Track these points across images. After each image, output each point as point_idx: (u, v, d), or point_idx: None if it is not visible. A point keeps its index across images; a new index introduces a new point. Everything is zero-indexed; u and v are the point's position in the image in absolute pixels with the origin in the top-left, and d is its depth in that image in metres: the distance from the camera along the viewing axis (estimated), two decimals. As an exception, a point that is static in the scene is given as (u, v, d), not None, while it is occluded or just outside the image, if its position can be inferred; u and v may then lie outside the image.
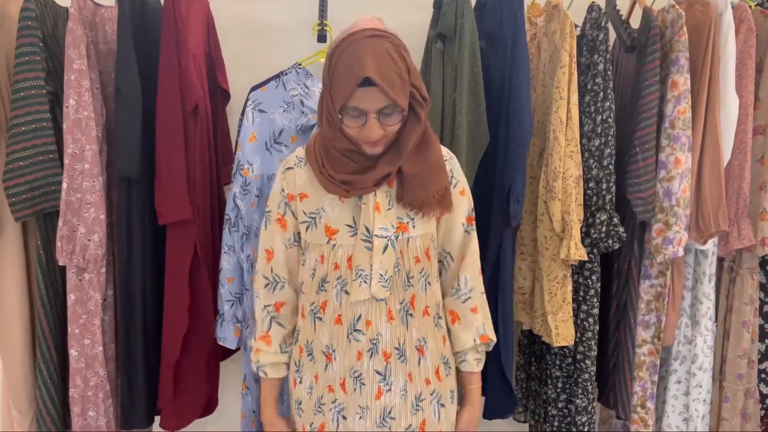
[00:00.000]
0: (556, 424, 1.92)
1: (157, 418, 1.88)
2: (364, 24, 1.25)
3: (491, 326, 1.48)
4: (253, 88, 1.78)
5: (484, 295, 1.47)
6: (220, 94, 1.97)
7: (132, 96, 1.64)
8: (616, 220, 1.76)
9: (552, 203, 1.75)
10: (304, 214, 1.38)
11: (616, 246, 1.78)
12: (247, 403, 1.83)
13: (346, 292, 1.34)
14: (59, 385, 1.78)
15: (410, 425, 1.37)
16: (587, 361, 1.82)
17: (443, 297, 1.46)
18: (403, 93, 1.23)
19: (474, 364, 1.46)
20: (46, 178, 1.68)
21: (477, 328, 1.45)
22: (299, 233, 1.43)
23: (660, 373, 1.93)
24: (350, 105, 1.22)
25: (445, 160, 1.40)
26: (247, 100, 1.77)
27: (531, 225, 1.87)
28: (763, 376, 1.94)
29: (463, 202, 1.43)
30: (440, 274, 1.46)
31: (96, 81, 1.70)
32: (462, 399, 1.49)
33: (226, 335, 1.82)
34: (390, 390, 1.36)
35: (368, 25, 1.24)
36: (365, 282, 1.32)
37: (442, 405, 1.42)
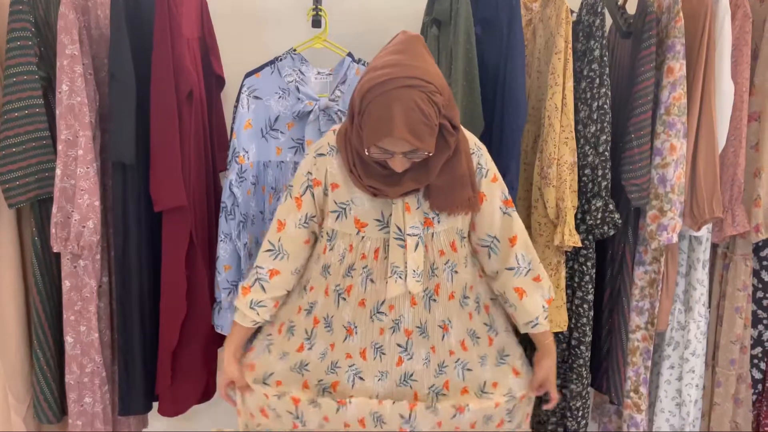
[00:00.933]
0: (550, 409, 1.93)
1: (155, 405, 1.89)
2: (395, 61, 1.26)
3: (552, 287, 1.56)
4: (248, 75, 1.77)
5: (539, 261, 1.53)
6: (214, 80, 1.97)
7: (125, 81, 1.64)
8: (611, 206, 1.76)
9: (546, 190, 1.75)
10: (335, 203, 1.44)
11: (612, 232, 1.78)
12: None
13: (372, 281, 1.42)
14: (56, 372, 1.79)
15: (433, 385, 1.46)
16: (582, 347, 1.83)
17: (499, 278, 1.51)
18: (430, 138, 1.28)
19: (545, 325, 1.54)
20: (40, 164, 1.67)
21: (542, 294, 1.52)
22: (313, 217, 1.47)
23: (653, 359, 1.94)
24: (378, 145, 1.28)
25: (473, 152, 1.44)
26: (241, 86, 1.76)
27: (525, 212, 1.87)
28: (755, 361, 1.96)
29: (496, 188, 1.47)
30: (489, 256, 1.50)
31: (89, 66, 1.68)
32: (539, 352, 1.58)
33: (224, 323, 1.82)
34: (411, 359, 1.44)
35: (400, 68, 1.24)
36: (401, 278, 1.39)
37: (469, 369, 1.49)
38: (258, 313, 1.51)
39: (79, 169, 1.64)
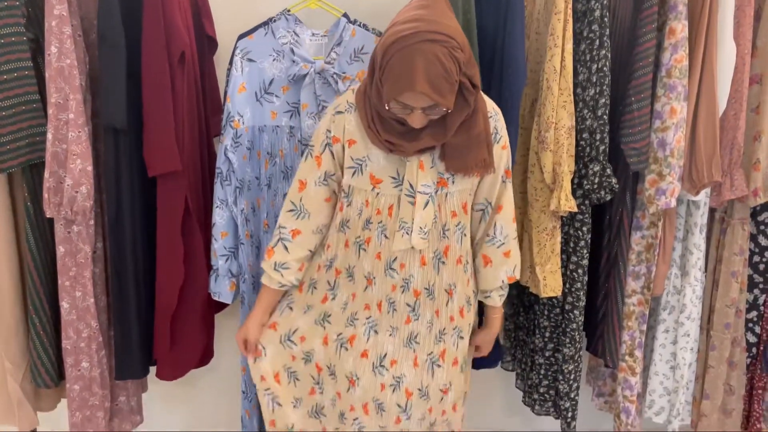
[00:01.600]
0: (542, 372, 1.95)
1: (153, 369, 1.90)
2: (418, 16, 1.28)
3: (519, 268, 1.63)
4: (241, 36, 1.73)
5: (516, 240, 1.59)
6: (207, 43, 1.92)
7: (115, 43, 1.60)
8: (609, 171, 1.75)
9: (543, 154, 1.73)
10: (351, 159, 1.46)
11: (609, 197, 1.77)
12: (247, 357, 1.84)
13: (386, 236, 1.47)
14: (52, 337, 1.79)
15: (432, 352, 1.53)
16: (575, 312, 1.84)
17: (476, 242, 1.59)
18: (450, 94, 1.30)
19: (497, 300, 1.63)
20: (31, 128, 1.64)
21: (506, 270, 1.58)
22: (332, 175, 1.51)
23: (648, 323, 1.95)
24: (398, 100, 1.30)
25: (490, 116, 1.47)
26: (234, 48, 1.73)
27: (521, 176, 1.86)
28: (750, 325, 1.97)
29: (504, 156, 1.52)
30: (480, 221, 1.57)
31: (78, 27, 1.64)
32: (483, 324, 1.69)
33: (221, 290, 1.82)
34: (417, 320, 1.51)
35: (423, 23, 1.26)
36: (407, 233, 1.44)
37: (461, 337, 1.57)
38: (282, 275, 1.54)
39: (70, 133, 1.61)
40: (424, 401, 1.54)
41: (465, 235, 1.52)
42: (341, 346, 1.52)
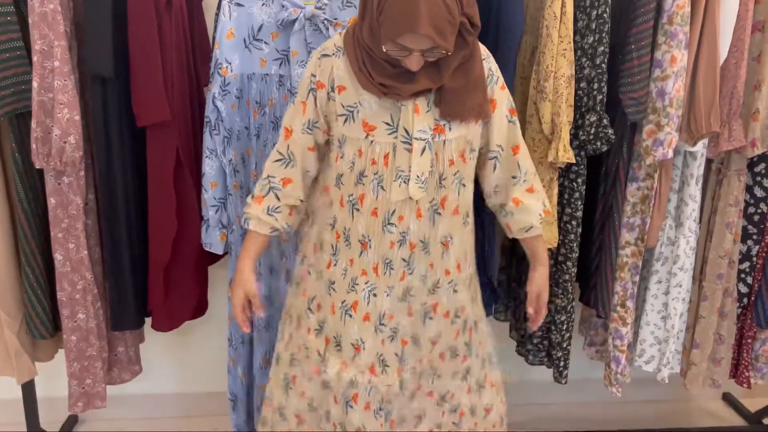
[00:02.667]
0: (537, 322, 1.97)
1: (149, 321, 1.91)
2: None
3: (546, 199, 1.57)
4: (230, -20, 1.67)
5: (537, 176, 1.55)
6: (195, -13, 1.87)
7: (99, -13, 1.55)
8: (605, 121, 1.72)
9: (542, 104, 1.70)
10: (342, 107, 1.41)
11: (604, 148, 1.75)
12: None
13: (383, 188, 1.41)
14: (46, 288, 1.79)
15: (425, 303, 1.51)
16: (568, 263, 1.84)
17: (499, 188, 1.54)
18: (452, 36, 1.26)
19: (540, 229, 1.56)
20: (16, 76, 1.61)
21: (540, 203, 1.54)
22: (315, 123, 1.45)
23: (641, 274, 1.96)
24: (397, 42, 1.25)
25: (483, 59, 1.42)
26: (223, -8, 1.67)
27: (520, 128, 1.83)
28: (742, 276, 1.98)
29: (504, 96, 1.47)
30: (494, 168, 1.51)
31: (60, -29, 1.58)
32: (533, 263, 1.63)
33: (212, 240, 1.82)
34: (411, 273, 1.48)
35: None
36: (404, 183, 1.39)
37: (455, 291, 1.53)
38: (276, 219, 1.50)
39: (56, 81, 1.58)
40: (417, 349, 1.54)
41: (464, 185, 1.47)
42: (346, 313, 1.50)
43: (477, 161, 1.51)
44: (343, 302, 1.50)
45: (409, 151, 1.38)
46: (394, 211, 1.43)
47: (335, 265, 1.51)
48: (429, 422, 1.61)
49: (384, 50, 1.27)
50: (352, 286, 1.49)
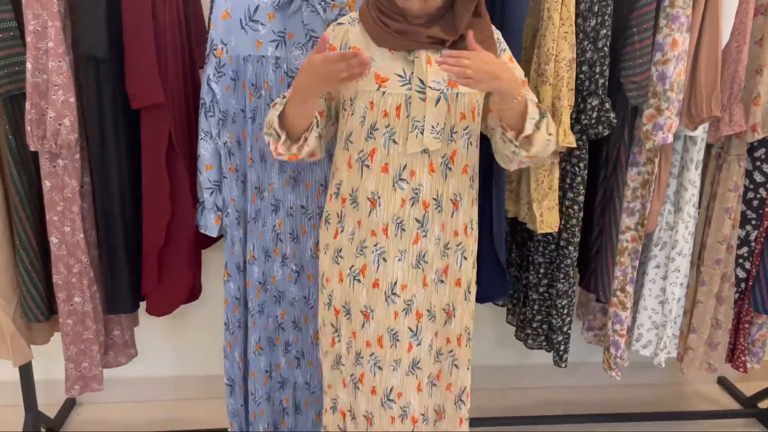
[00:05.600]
0: (536, 307, 1.97)
1: (143, 305, 1.90)
2: None
3: (547, 112, 1.47)
4: (225, -41, 1.64)
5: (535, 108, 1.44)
6: (190, -34, 1.84)
7: (93, -34, 1.52)
8: (607, 105, 1.71)
9: (543, 88, 1.68)
10: None
11: (606, 132, 1.74)
12: (229, 290, 1.84)
13: (394, 141, 1.41)
14: (41, 272, 1.78)
15: (437, 269, 1.50)
16: (570, 247, 1.84)
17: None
18: None
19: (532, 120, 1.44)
20: (9, 57, 1.58)
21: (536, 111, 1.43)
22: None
23: (640, 259, 1.96)
24: None
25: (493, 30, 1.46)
26: (219, -28, 1.64)
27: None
28: (740, 261, 1.98)
29: (516, 68, 1.49)
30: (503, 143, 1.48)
31: (52, -51, 1.55)
32: None
33: (207, 223, 1.80)
34: (426, 236, 1.46)
35: None
36: (420, 133, 1.39)
37: (465, 258, 1.53)
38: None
39: (50, 62, 1.55)
40: (432, 323, 1.52)
41: (471, 143, 1.47)
42: (354, 279, 1.50)
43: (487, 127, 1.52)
44: (351, 268, 1.50)
45: (424, 100, 1.39)
46: (405, 166, 1.42)
47: (341, 231, 1.51)
48: (448, 423, 1.60)
49: None
50: (360, 250, 1.49)
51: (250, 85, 1.70)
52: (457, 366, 1.59)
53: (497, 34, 1.48)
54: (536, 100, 1.49)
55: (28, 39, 1.53)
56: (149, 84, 1.61)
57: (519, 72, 1.49)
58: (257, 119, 1.72)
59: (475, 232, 1.56)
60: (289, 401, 1.92)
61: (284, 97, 1.47)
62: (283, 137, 1.45)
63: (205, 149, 1.74)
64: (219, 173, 1.77)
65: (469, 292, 1.57)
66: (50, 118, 1.56)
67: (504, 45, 1.49)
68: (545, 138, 1.43)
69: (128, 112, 1.67)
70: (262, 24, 1.66)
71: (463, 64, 1.26)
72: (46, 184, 1.66)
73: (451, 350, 1.57)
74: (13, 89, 1.60)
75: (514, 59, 1.50)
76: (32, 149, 1.61)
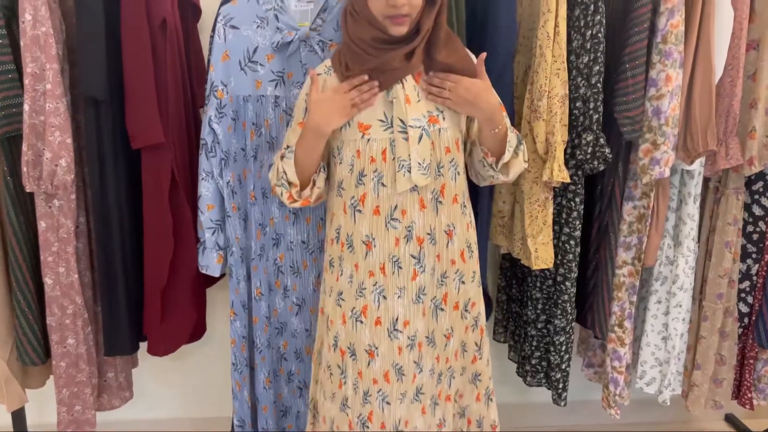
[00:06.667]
0: (534, 344, 1.94)
1: (144, 346, 1.87)
2: None
3: (523, 140, 1.56)
4: (224, 2, 1.68)
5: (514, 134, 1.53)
6: (190, 9, 1.87)
7: (93, 9, 1.55)
8: (602, 140, 1.71)
9: (536, 123, 1.69)
10: None
11: (602, 167, 1.74)
12: (236, 329, 1.82)
13: (383, 185, 1.44)
14: (37, 314, 1.76)
15: (435, 297, 1.52)
16: (567, 283, 1.82)
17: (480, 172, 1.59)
18: None
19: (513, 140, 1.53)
20: (7, 99, 1.60)
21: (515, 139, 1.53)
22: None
23: (640, 294, 1.94)
24: None
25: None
26: (217, 15, 1.67)
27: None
28: (742, 295, 1.96)
29: (494, 95, 1.51)
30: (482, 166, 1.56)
31: (53, -6, 1.58)
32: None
33: (209, 263, 1.80)
34: (424, 271, 1.49)
35: None
36: (408, 171, 1.42)
37: (463, 282, 1.55)
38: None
39: (48, 104, 1.57)
40: (432, 348, 1.53)
41: (459, 173, 1.51)
42: (356, 321, 1.51)
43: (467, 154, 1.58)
44: (353, 310, 1.51)
45: (407, 140, 1.42)
46: (396, 206, 1.45)
47: (341, 274, 1.52)
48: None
49: (369, 2, 1.36)
50: (360, 292, 1.50)
51: (251, 124, 1.71)
52: (454, 377, 1.60)
53: (473, 58, 1.50)
54: (511, 126, 1.55)
55: (26, 81, 1.55)
56: (150, 124, 1.62)
57: (496, 96, 1.52)
58: (258, 157, 1.73)
59: (475, 254, 1.58)
60: (293, 427, 1.92)
61: (287, 148, 1.52)
62: (297, 185, 1.51)
63: (206, 189, 1.74)
64: (221, 212, 1.77)
65: (466, 311, 1.57)
66: (47, 158, 1.57)
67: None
68: (522, 164, 1.55)
69: (128, 152, 1.68)
70: (261, 65, 1.68)
71: (445, 86, 1.42)
72: (42, 224, 1.66)
73: (450, 367, 1.58)
74: (10, 131, 1.61)
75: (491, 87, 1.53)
76: (28, 190, 1.61)
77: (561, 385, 1.91)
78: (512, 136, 1.50)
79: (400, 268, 1.48)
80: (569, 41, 1.69)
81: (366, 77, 1.42)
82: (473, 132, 1.56)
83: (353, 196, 1.48)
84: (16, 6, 1.57)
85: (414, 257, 1.48)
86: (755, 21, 1.75)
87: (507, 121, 1.54)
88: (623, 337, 1.90)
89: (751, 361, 2.01)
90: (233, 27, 1.66)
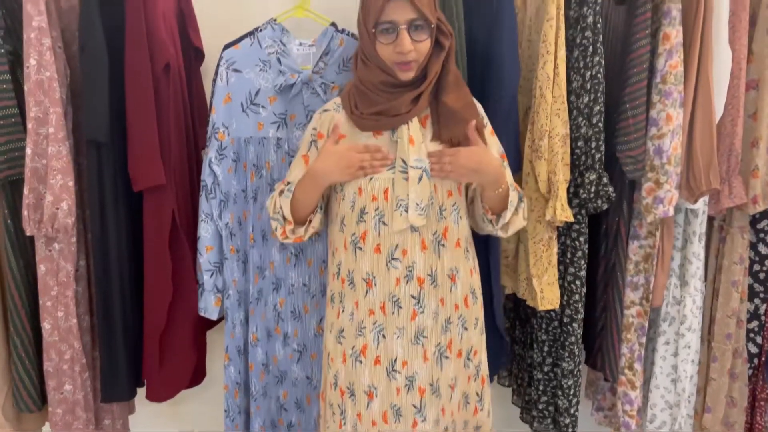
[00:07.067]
0: (541, 387, 1.90)
1: (141, 391, 1.83)
2: None
3: (524, 196, 1.58)
4: (227, 46, 1.69)
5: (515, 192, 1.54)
6: (193, 54, 1.88)
7: (97, 54, 1.56)
8: (605, 179, 1.71)
9: (538, 163, 1.69)
10: None
11: (605, 206, 1.73)
12: (230, 374, 1.79)
13: (384, 223, 1.45)
14: (34, 359, 1.73)
15: (439, 343, 1.50)
16: (574, 324, 1.79)
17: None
18: (429, 9, 1.37)
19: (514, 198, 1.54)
20: (9, 143, 1.60)
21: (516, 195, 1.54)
22: None
23: (648, 335, 1.91)
24: (382, 20, 1.36)
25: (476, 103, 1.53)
26: (220, 59, 1.68)
27: (517, 186, 1.82)
28: (751, 335, 1.93)
29: (494, 142, 1.56)
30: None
31: (58, 39, 1.60)
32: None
33: (207, 306, 1.77)
34: (423, 312, 1.47)
35: None
36: (405, 211, 1.42)
37: (466, 329, 1.53)
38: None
39: (50, 147, 1.57)
40: (436, 398, 1.50)
41: (461, 217, 1.51)
42: (356, 360, 1.50)
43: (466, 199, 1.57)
44: (352, 348, 1.50)
45: (407, 179, 1.43)
46: (397, 246, 1.45)
47: (342, 311, 1.51)
48: None
49: (375, 36, 1.38)
50: (360, 330, 1.49)
51: (252, 165, 1.71)
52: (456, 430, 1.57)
53: (480, 108, 1.53)
54: (513, 182, 1.55)
55: (29, 125, 1.56)
56: (151, 166, 1.62)
57: (498, 144, 1.56)
58: (258, 199, 1.72)
59: (479, 300, 1.57)
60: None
61: (288, 183, 1.52)
62: (292, 223, 1.51)
63: (205, 231, 1.73)
64: (219, 255, 1.76)
65: (469, 359, 1.55)
66: (48, 202, 1.56)
67: (486, 119, 1.55)
68: (522, 222, 1.56)
69: (130, 195, 1.67)
70: (263, 107, 1.70)
71: (444, 161, 1.42)
72: (41, 268, 1.64)
73: (453, 420, 1.55)
74: (12, 174, 1.61)
75: (494, 132, 1.56)
76: (28, 233, 1.60)
77: (570, 431, 1.86)
78: (513, 195, 1.51)
79: (400, 308, 1.47)
80: (569, 82, 1.70)
81: (383, 147, 1.44)
82: (471, 188, 1.56)
83: (354, 233, 1.48)
84: (20, 50, 1.58)
85: (414, 297, 1.47)
86: (753, 61, 1.77)
87: (509, 174, 1.54)
88: (633, 380, 1.86)
89: (762, 402, 1.96)
90: (236, 70, 1.67)
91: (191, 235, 1.79)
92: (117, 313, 1.71)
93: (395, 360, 1.48)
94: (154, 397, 1.80)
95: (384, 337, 1.48)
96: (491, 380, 1.89)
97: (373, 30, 1.38)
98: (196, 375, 1.90)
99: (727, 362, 1.90)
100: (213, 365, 2.00)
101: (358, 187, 1.46)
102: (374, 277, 1.47)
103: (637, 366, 1.86)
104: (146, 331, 1.74)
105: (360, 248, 1.48)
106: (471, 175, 1.46)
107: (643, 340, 1.86)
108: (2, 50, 1.56)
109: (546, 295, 1.73)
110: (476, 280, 1.57)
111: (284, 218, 1.52)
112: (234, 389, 1.79)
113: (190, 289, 1.77)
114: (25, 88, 1.55)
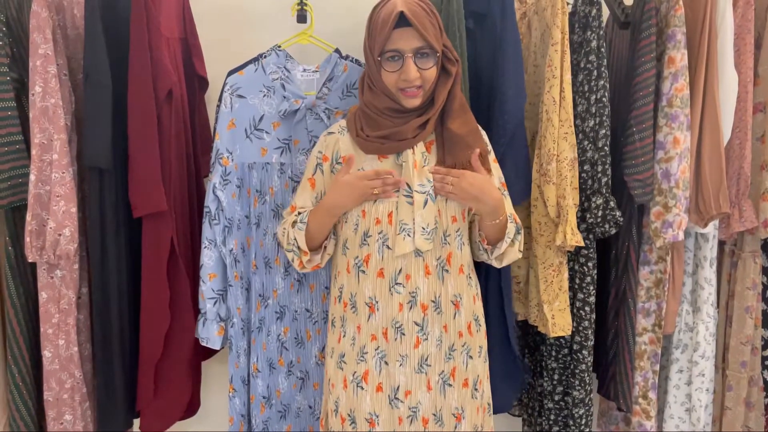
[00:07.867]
0: (552, 417, 1.85)
1: (137, 421, 1.80)
2: None
3: (522, 228, 1.56)
4: (231, 72, 1.69)
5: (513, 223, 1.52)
6: (197, 82, 1.89)
7: (101, 82, 1.56)
8: (612, 203, 1.69)
9: (546, 187, 1.67)
10: None
11: (613, 231, 1.71)
12: (235, 406, 1.75)
13: (388, 247, 1.44)
14: (33, 388, 1.70)
15: (443, 371, 1.48)
16: (584, 352, 1.75)
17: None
18: (435, 37, 1.37)
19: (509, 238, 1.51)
20: (13, 170, 1.59)
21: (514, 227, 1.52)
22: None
23: (661, 363, 1.86)
24: (388, 48, 1.37)
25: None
26: (224, 84, 1.69)
27: (524, 211, 1.80)
28: (767, 363, 1.88)
29: (496, 169, 1.55)
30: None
31: (64, 67, 1.61)
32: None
33: (210, 335, 1.74)
34: (427, 339, 1.45)
35: None
36: (409, 236, 1.41)
37: (470, 357, 1.51)
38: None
39: (54, 174, 1.56)
40: (439, 427, 1.47)
41: (464, 243, 1.50)
42: (357, 386, 1.47)
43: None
44: (354, 374, 1.47)
45: (411, 204, 1.42)
46: (400, 270, 1.44)
47: (344, 336, 1.49)
48: None
49: (380, 61, 1.38)
50: (362, 356, 1.47)
51: (255, 191, 1.70)
52: None
53: (484, 135, 1.53)
54: (513, 213, 1.54)
55: (34, 151, 1.55)
56: (152, 192, 1.61)
57: (499, 171, 1.55)
58: (261, 225, 1.71)
59: (483, 328, 1.54)
60: None
61: (299, 214, 1.51)
62: (309, 252, 1.50)
63: (208, 258, 1.71)
64: (223, 282, 1.73)
65: (476, 389, 1.52)
66: (50, 228, 1.55)
67: (490, 147, 1.54)
68: (517, 254, 1.53)
69: (131, 222, 1.66)
70: (267, 132, 1.69)
71: (447, 181, 1.41)
72: (43, 295, 1.62)
73: None
74: (15, 201, 1.60)
75: (496, 160, 1.56)
76: (30, 260, 1.58)
77: (581, 462, 1.80)
78: (511, 227, 1.49)
79: (403, 334, 1.45)
80: (574, 106, 1.70)
81: (394, 171, 1.43)
82: (471, 213, 1.55)
83: (357, 256, 1.47)
84: (26, 78, 1.59)
85: (417, 324, 1.45)
86: (760, 84, 1.76)
87: (509, 204, 1.53)
88: (648, 409, 1.81)
89: (781, 433, 1.91)
90: (240, 96, 1.67)
91: (191, 261, 1.77)
92: (115, 341, 1.68)
93: (398, 388, 1.45)
94: (148, 428, 1.76)
95: (386, 363, 1.46)
96: (510, 409, 1.86)
97: (379, 58, 1.39)
98: (191, 406, 1.87)
99: (742, 391, 1.85)
100: (206, 397, 1.96)
101: (362, 210, 1.45)
102: (377, 302, 1.45)
103: (652, 395, 1.81)
104: (142, 360, 1.71)
105: (363, 271, 1.46)
106: (470, 201, 1.44)
107: (657, 367, 1.81)
108: (8, 78, 1.56)
109: (557, 321, 1.70)
110: (479, 308, 1.54)
111: (299, 249, 1.50)
112: (239, 421, 1.75)
113: (187, 317, 1.74)
114: (30, 114, 1.56)
